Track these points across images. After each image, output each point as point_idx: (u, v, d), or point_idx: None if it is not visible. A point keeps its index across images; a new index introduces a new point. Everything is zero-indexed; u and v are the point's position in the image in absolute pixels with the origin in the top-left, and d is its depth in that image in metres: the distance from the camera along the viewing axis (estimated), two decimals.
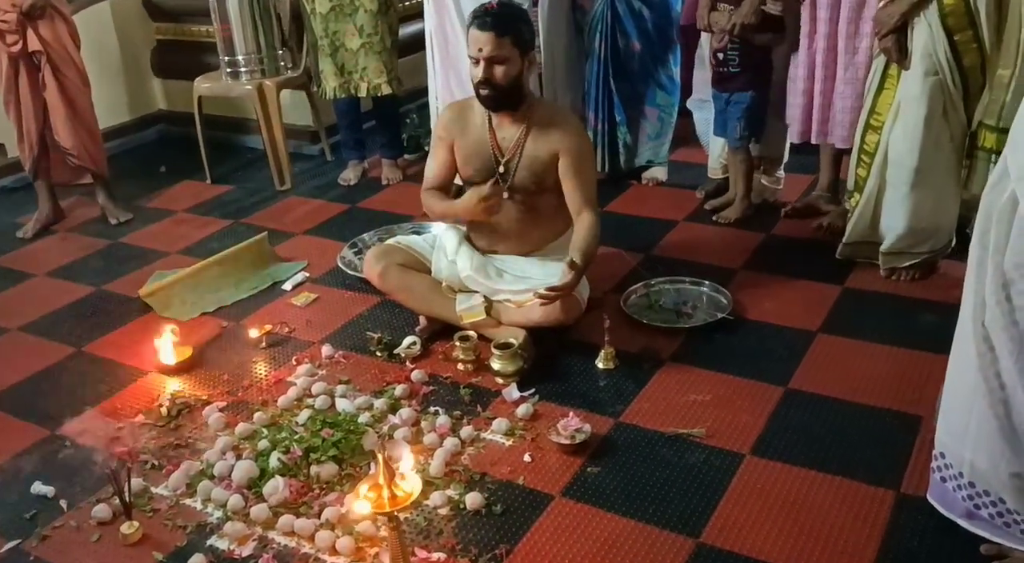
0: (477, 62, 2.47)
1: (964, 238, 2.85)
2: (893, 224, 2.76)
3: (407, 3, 4.07)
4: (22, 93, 3.52)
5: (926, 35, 2.50)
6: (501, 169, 2.60)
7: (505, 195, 2.61)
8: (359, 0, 3.66)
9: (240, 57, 3.92)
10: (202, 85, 4.05)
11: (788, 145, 3.35)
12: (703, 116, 3.56)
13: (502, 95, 2.50)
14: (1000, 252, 1.60)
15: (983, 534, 1.76)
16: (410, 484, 1.70)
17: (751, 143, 3.26)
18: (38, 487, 2.15)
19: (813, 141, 3.10)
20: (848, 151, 3.02)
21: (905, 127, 2.62)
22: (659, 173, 3.76)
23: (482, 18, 2.45)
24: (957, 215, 2.79)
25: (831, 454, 2.07)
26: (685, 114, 3.74)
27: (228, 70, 3.98)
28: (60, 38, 3.48)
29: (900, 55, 2.56)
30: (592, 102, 3.64)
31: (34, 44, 3.42)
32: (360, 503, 1.68)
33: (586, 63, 3.66)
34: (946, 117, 2.58)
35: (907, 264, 2.80)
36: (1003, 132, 2.51)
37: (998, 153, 2.53)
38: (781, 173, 3.45)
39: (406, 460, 1.72)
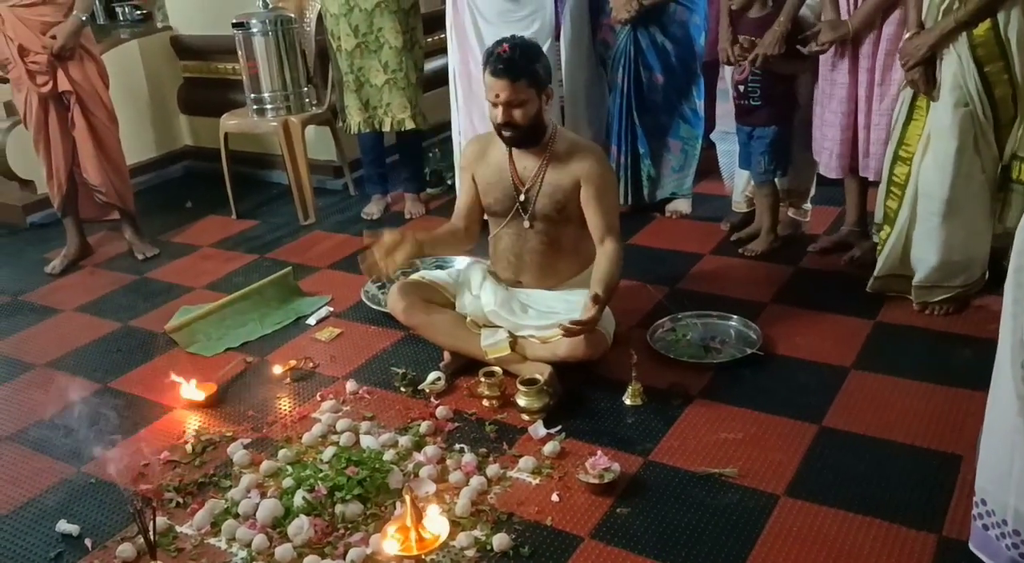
0: (496, 105, 2.48)
1: (998, 272, 2.81)
2: (925, 257, 2.71)
3: (432, 39, 4.12)
4: (51, 132, 3.57)
5: (956, 66, 2.47)
6: (522, 198, 2.60)
7: (527, 225, 2.62)
8: (384, 37, 3.70)
9: (266, 94, 3.97)
10: (228, 121, 4.09)
11: (815, 177, 3.32)
12: (726, 148, 3.55)
13: (524, 134, 2.52)
14: None
15: None
16: (438, 526, 1.68)
17: (777, 176, 3.24)
18: (63, 525, 2.13)
19: (861, 174, 3.03)
20: (875, 184, 2.99)
21: (936, 159, 2.58)
22: (683, 206, 3.74)
23: (495, 64, 2.44)
24: (989, 248, 2.74)
25: (869, 496, 2.01)
26: (709, 146, 3.73)
27: (254, 107, 4.02)
28: (89, 78, 3.53)
29: (928, 86, 2.54)
30: (615, 135, 3.64)
31: (64, 84, 3.47)
32: (390, 542, 1.66)
33: (609, 96, 3.67)
34: (977, 149, 2.55)
35: (940, 298, 2.75)
36: None
37: None
38: (808, 206, 3.42)
39: (432, 511, 1.70)
